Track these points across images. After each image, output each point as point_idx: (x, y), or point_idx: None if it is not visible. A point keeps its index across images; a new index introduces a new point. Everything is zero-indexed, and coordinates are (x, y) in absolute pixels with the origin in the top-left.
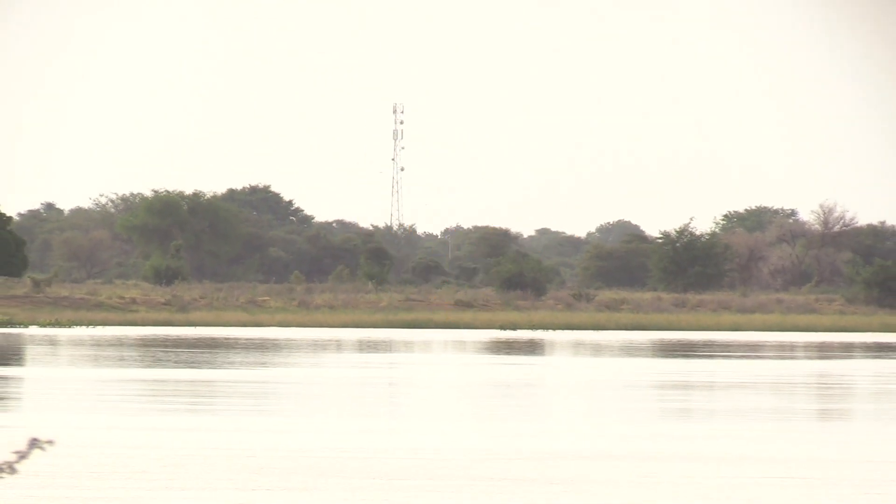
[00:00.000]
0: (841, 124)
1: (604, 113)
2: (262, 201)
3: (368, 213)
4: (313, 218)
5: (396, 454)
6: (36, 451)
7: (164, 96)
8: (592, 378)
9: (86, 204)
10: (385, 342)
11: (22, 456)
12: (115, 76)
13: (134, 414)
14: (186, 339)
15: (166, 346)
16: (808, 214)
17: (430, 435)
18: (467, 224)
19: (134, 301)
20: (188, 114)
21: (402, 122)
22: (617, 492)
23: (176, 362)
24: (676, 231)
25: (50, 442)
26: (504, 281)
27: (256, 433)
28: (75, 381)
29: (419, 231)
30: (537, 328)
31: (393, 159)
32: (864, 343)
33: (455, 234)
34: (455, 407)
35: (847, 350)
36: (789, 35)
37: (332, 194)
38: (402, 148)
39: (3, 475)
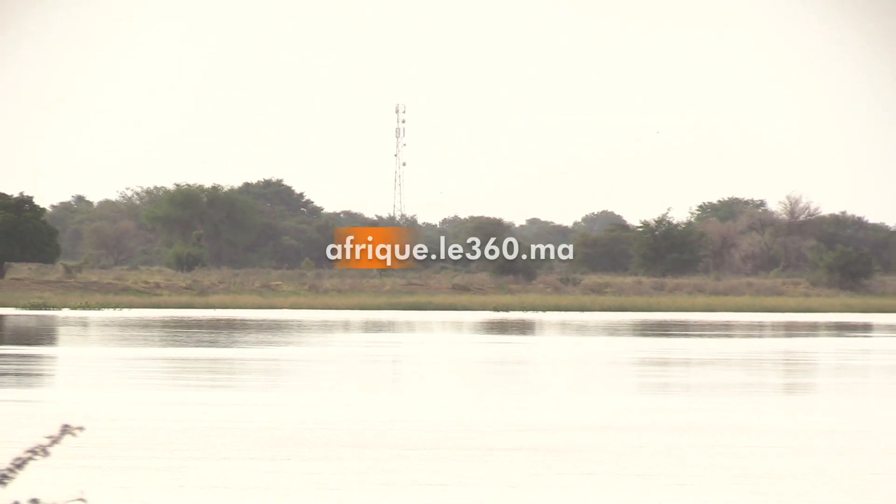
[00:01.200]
0: (806, 122)
1: (590, 112)
2: (275, 194)
3: (373, 205)
4: (322, 209)
5: (403, 426)
6: (67, 437)
7: (185, 98)
8: (579, 356)
9: (113, 196)
10: (389, 323)
11: (54, 441)
12: (138, 77)
13: (158, 390)
14: (206, 320)
15: (188, 327)
16: (776, 205)
17: (432, 408)
18: (464, 214)
19: (158, 285)
20: (208, 114)
21: (403, 122)
22: (610, 459)
23: (197, 342)
24: (655, 220)
25: (80, 428)
26: (497, 266)
27: (273, 407)
28: (103, 359)
29: (420, 221)
30: (528, 310)
31: (395, 155)
32: (827, 322)
33: (452, 223)
34: (454, 382)
35: (811, 329)
36: (762, 32)
37: (340, 187)
38: (404, 145)
39: (37, 458)
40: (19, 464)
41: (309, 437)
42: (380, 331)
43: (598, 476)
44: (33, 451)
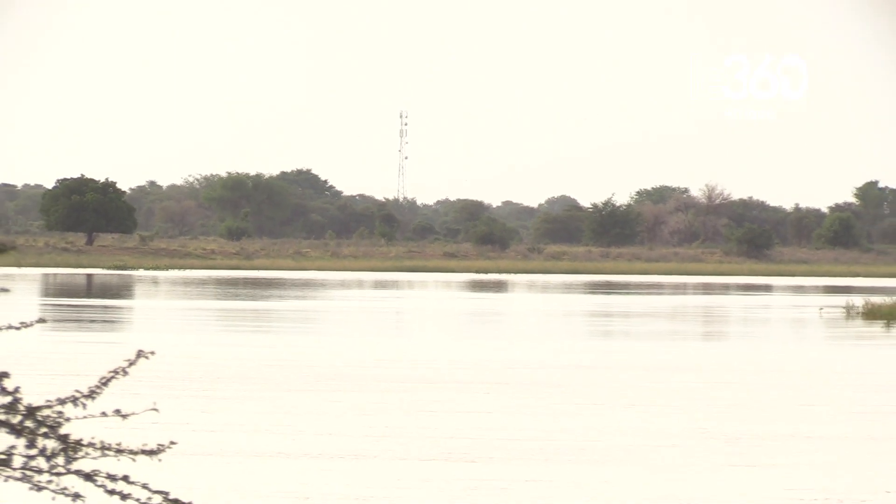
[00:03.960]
0: (721, 124)
1: (553, 115)
2: (305, 180)
3: (381, 189)
4: (342, 192)
5: (407, 364)
6: (141, 360)
7: (235, 105)
8: (543, 308)
9: (178, 181)
10: (393, 282)
11: (131, 363)
12: (196, 85)
13: (214, 333)
14: (251, 279)
15: (236, 285)
16: (697, 191)
17: (429, 350)
18: (453, 197)
19: (213, 251)
20: (252, 114)
21: (405, 125)
22: (579, 390)
23: (243, 296)
24: (602, 203)
25: (152, 353)
26: (479, 238)
27: (309, 348)
28: (170, 309)
29: (418, 202)
30: (503, 272)
31: (399, 150)
32: (736, 283)
33: (444, 203)
34: (446, 329)
35: (724, 289)
36: (692, 29)
37: (356, 175)
38: (406, 143)
39: (118, 377)
40: (104, 382)
41: (345, 373)
42: (386, 289)
43: (569, 404)
44: (115, 372)
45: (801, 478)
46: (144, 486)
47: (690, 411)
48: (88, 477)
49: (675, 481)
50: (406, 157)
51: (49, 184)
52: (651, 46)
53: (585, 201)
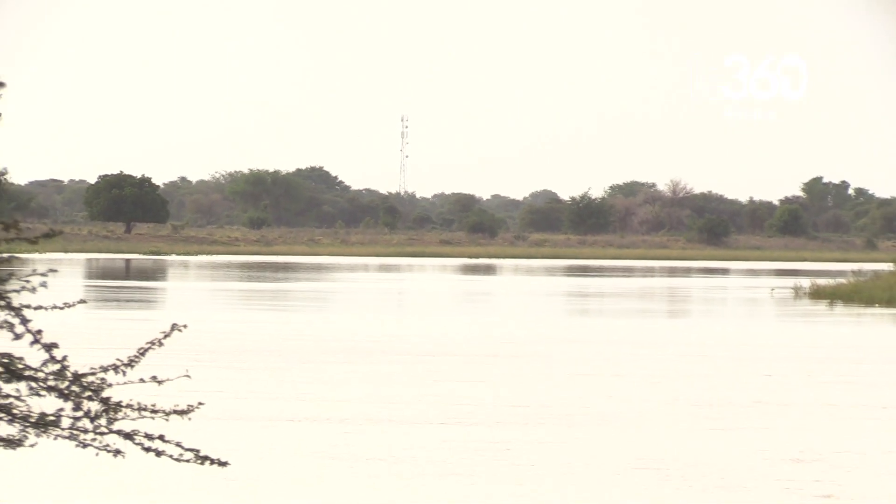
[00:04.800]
0: (689, 123)
1: (544, 112)
2: (318, 176)
3: (385, 184)
4: (350, 187)
5: (411, 338)
6: (175, 333)
7: (254, 104)
8: (528, 289)
9: (206, 177)
10: (395, 266)
11: (166, 335)
12: (226, 85)
13: (239, 311)
14: (270, 263)
15: (257, 268)
16: (663, 186)
17: (430, 326)
18: (448, 191)
19: (236, 239)
20: (271, 116)
21: (406, 127)
22: (568, 362)
23: (264, 279)
24: (580, 196)
25: (185, 326)
26: (471, 227)
27: (318, 325)
28: (199, 290)
29: (417, 195)
30: (492, 257)
31: (401, 150)
32: (698, 267)
33: (440, 196)
34: (444, 307)
35: (687, 272)
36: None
37: (363, 171)
38: (407, 143)
39: (154, 348)
40: (142, 352)
41: (357, 347)
42: (389, 271)
43: (556, 374)
44: (151, 343)
45: (768, 439)
46: (178, 445)
47: (665, 381)
48: (128, 436)
49: (656, 442)
50: (407, 156)
51: (92, 179)
52: (650, 46)
53: (565, 195)
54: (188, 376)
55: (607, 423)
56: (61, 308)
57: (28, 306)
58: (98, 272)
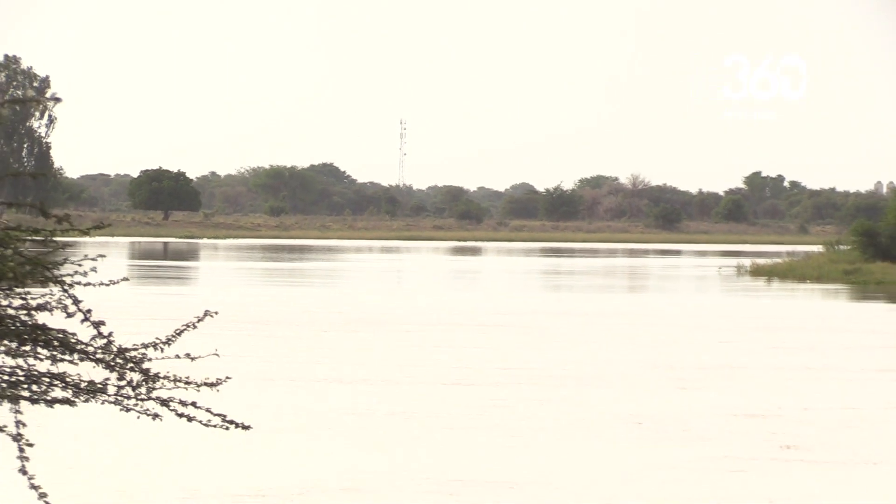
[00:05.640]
0: (647, 121)
1: (521, 111)
2: (329, 171)
3: (386, 178)
4: (357, 180)
5: (412, 310)
6: (207, 317)
7: (274, 105)
8: (510, 268)
9: (233, 171)
10: (395, 248)
11: (200, 319)
12: (252, 87)
13: (259, 287)
14: (288, 245)
15: (276, 250)
16: (624, 179)
17: (427, 299)
18: (440, 183)
19: (259, 225)
20: (288, 118)
21: (404, 129)
22: (551, 331)
23: (282, 259)
24: (553, 188)
25: (216, 312)
26: (459, 214)
27: (331, 298)
28: (227, 268)
29: (414, 187)
30: (478, 241)
31: (399, 148)
32: (654, 249)
33: (434, 188)
34: (438, 283)
35: (645, 253)
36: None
37: (368, 167)
38: (405, 142)
39: (189, 329)
40: (178, 332)
41: (366, 318)
42: (390, 253)
43: (540, 342)
44: (186, 325)
45: (728, 397)
46: (207, 410)
47: (633, 347)
48: (164, 402)
49: (632, 399)
50: (405, 154)
51: (134, 173)
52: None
53: (540, 187)
54: (217, 354)
55: (589, 383)
56: (107, 285)
57: (79, 283)
58: (140, 253)
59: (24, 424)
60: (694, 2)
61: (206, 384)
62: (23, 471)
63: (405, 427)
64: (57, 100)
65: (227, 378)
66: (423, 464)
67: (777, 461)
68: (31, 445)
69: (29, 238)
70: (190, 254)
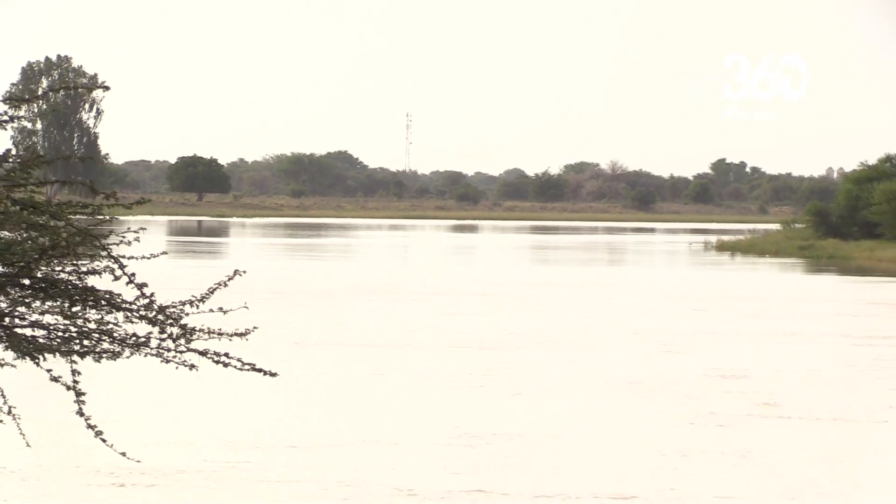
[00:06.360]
0: (629, 112)
1: (514, 103)
2: (343, 158)
3: (394, 164)
4: (368, 166)
5: (420, 281)
6: (236, 276)
7: (296, 97)
8: (503, 244)
9: (259, 158)
10: (402, 226)
11: (230, 278)
12: (277, 81)
13: (282, 260)
14: (307, 224)
15: (297, 228)
16: (605, 165)
17: (433, 271)
18: (442, 168)
19: (282, 206)
20: (308, 108)
21: (410, 121)
22: (541, 300)
23: (302, 235)
24: (541, 173)
25: (245, 271)
26: (459, 196)
27: (347, 270)
28: (254, 244)
29: (419, 172)
30: (475, 220)
31: (406, 138)
32: (631, 227)
33: (436, 173)
34: (441, 257)
35: (622, 231)
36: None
37: (378, 153)
38: (411, 133)
39: (220, 287)
40: (211, 290)
41: (379, 288)
42: (397, 230)
43: (540, 310)
44: (218, 284)
45: (707, 360)
46: (239, 360)
47: (619, 314)
48: (201, 353)
49: (622, 361)
50: (410, 143)
51: (172, 159)
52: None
53: (530, 172)
54: (246, 307)
55: (584, 347)
56: (148, 258)
57: (124, 256)
58: (177, 230)
59: (79, 373)
60: (694, 2)
61: (237, 335)
62: (80, 412)
63: (418, 385)
64: (106, 87)
65: (255, 328)
66: (438, 419)
67: (755, 417)
68: (83, 393)
69: (79, 212)
70: (221, 231)
